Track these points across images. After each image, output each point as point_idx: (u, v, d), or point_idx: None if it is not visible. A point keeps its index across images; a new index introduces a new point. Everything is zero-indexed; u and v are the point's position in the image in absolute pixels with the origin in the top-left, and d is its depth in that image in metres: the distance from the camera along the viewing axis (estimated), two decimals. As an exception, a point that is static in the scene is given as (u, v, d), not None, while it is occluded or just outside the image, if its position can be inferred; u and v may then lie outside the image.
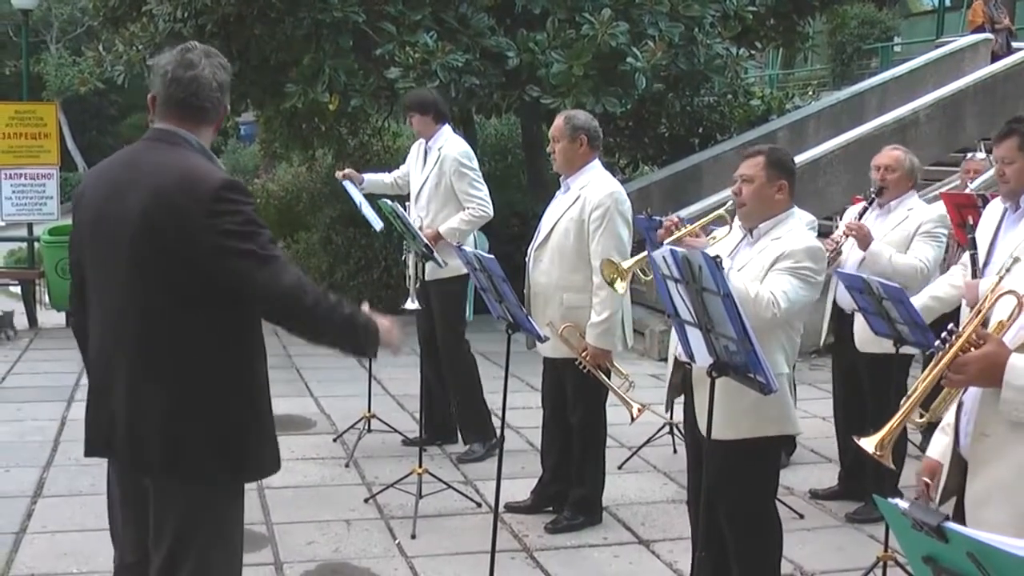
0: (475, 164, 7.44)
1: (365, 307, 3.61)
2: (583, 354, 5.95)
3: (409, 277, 7.27)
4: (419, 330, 7.71)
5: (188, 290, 3.29)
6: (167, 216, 3.22)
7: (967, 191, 7.75)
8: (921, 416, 3.32)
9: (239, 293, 3.30)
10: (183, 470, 3.36)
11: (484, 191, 7.37)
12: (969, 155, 8.56)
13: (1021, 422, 3.10)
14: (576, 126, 6.08)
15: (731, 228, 4.77)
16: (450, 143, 7.42)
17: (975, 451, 3.30)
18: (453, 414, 7.75)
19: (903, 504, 1.75)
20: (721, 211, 4.87)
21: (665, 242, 4.52)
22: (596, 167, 6.18)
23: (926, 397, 3.43)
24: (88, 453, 3.57)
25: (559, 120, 6.16)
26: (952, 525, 1.66)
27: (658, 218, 7.91)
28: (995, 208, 5.42)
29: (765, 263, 4.45)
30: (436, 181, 7.33)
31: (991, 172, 7.99)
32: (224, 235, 3.23)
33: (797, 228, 4.60)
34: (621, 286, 5.05)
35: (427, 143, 7.53)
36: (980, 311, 3.22)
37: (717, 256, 3.63)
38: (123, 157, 3.52)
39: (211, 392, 3.37)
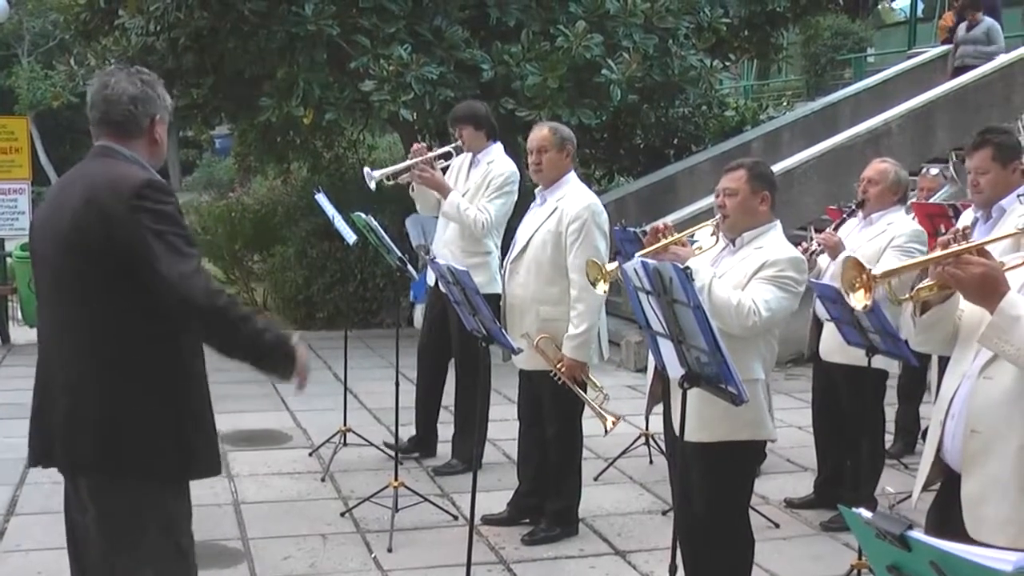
0: (514, 191, 7.27)
1: (296, 337, 3.78)
2: (558, 366, 5.96)
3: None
4: (424, 340, 7.70)
5: (117, 291, 3.42)
6: (94, 218, 3.38)
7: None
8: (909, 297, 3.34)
9: (156, 289, 3.38)
10: (118, 466, 3.48)
11: (496, 217, 7.19)
12: (923, 171, 8.62)
13: (999, 352, 3.15)
14: (564, 137, 6.13)
15: (717, 238, 4.81)
16: (501, 161, 7.32)
17: (967, 449, 3.33)
18: (434, 427, 7.77)
19: (867, 513, 1.76)
20: (709, 224, 4.88)
21: (649, 248, 4.56)
22: (573, 179, 6.21)
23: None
24: (31, 463, 3.72)
25: (545, 131, 6.16)
26: (915, 534, 1.68)
27: (632, 229, 7.96)
28: (968, 218, 5.49)
29: (748, 271, 4.53)
30: (475, 194, 7.22)
31: (945, 190, 8.06)
32: (142, 228, 3.36)
33: (779, 239, 4.68)
34: (603, 287, 5.07)
35: (475, 156, 7.40)
36: None
37: (687, 268, 3.65)
38: (68, 175, 3.71)
39: (146, 389, 3.49)
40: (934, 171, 8.66)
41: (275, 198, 16.49)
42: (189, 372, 3.60)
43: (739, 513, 4.73)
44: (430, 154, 7.37)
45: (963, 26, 15.46)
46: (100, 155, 3.60)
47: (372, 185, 7.66)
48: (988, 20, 15.38)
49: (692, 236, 5.04)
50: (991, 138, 4.82)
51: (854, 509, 1.79)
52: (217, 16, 11.71)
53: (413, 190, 7.54)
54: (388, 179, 7.70)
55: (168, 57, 12.23)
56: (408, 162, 7.37)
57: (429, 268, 6.97)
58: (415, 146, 7.38)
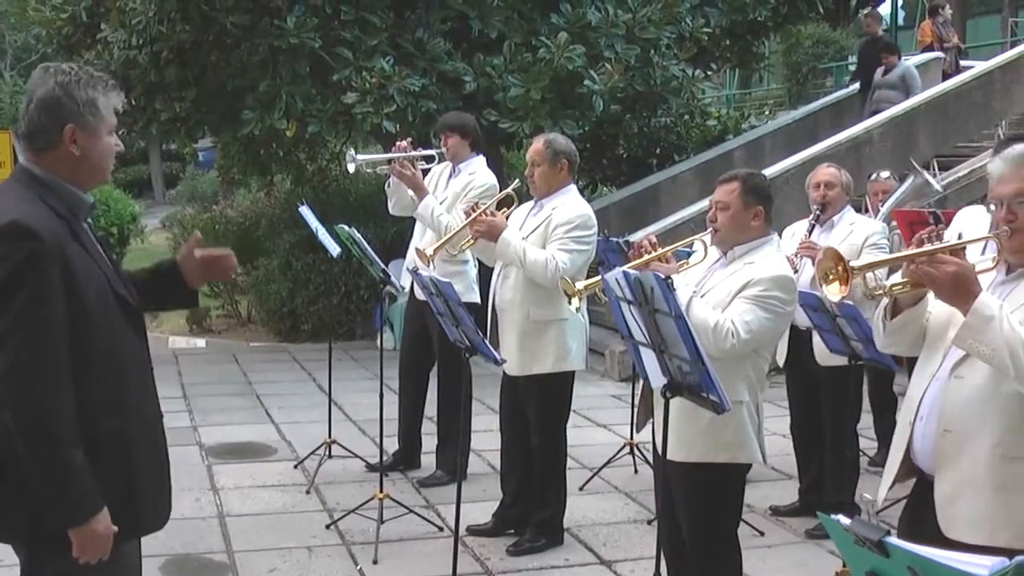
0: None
1: (106, 512, 3.07)
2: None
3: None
4: (404, 353, 7.72)
5: None
6: None
7: (881, 211, 7.87)
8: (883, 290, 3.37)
9: None
10: (44, 536, 3.08)
11: None
12: (873, 176, 8.68)
13: (974, 353, 3.17)
14: (557, 150, 6.09)
15: (706, 254, 4.74)
16: (482, 173, 7.32)
17: (939, 448, 3.35)
18: (418, 439, 7.78)
19: (845, 520, 1.78)
20: (697, 240, 4.83)
21: (632, 264, 4.49)
22: (572, 191, 6.22)
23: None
24: None
25: (539, 144, 6.16)
26: (893, 540, 1.69)
27: (615, 239, 8.00)
28: (973, 217, 5.51)
29: (732, 288, 4.42)
30: (452, 203, 7.20)
31: (907, 184, 8.14)
32: None
33: (772, 255, 4.56)
34: (576, 303, 5.08)
35: (455, 166, 7.41)
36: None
37: (669, 277, 3.65)
38: None
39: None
40: (884, 174, 8.73)
41: (259, 210, 16.49)
42: (99, 432, 3.10)
43: (724, 536, 4.65)
44: (413, 153, 7.38)
45: (880, 70, 15.56)
46: (11, 178, 3.19)
47: (351, 167, 7.70)
48: (904, 64, 15.41)
49: (690, 247, 5.02)
50: None
51: (833, 516, 1.81)
52: (199, 29, 11.72)
53: (389, 186, 7.54)
54: (367, 166, 7.75)
55: (151, 71, 12.23)
56: (391, 155, 7.37)
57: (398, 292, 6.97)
58: (400, 143, 7.39)
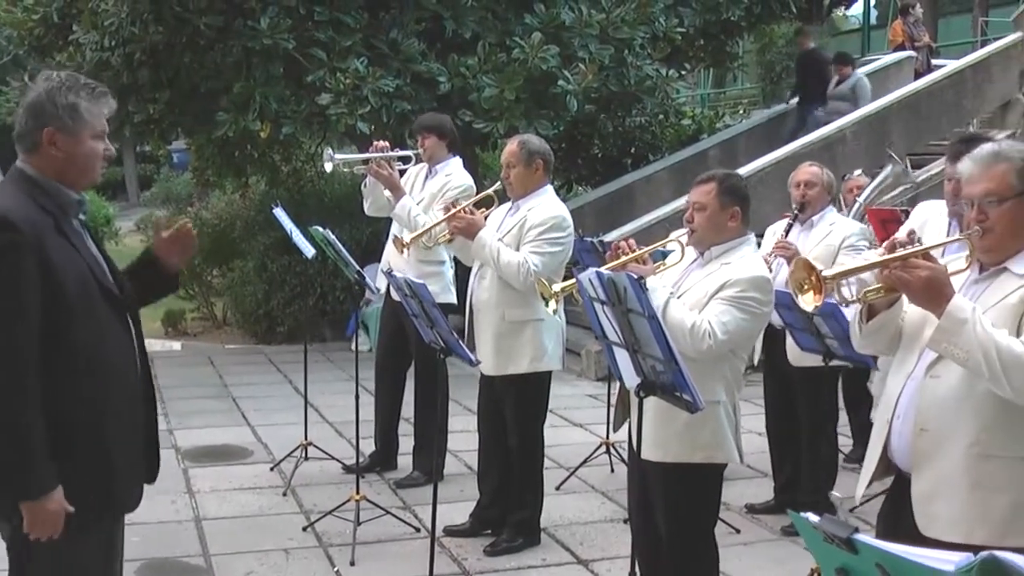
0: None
1: (60, 491, 3.24)
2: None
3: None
4: (381, 354, 7.71)
5: None
6: None
7: (859, 202, 7.92)
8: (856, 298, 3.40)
9: None
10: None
11: None
12: (847, 175, 8.75)
13: (947, 355, 3.20)
14: (532, 151, 6.09)
15: (683, 255, 4.72)
16: (459, 174, 7.33)
17: (916, 447, 3.38)
18: (395, 440, 7.79)
19: (814, 518, 1.80)
20: (675, 240, 4.82)
21: (609, 265, 4.48)
22: (548, 192, 6.23)
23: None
24: None
25: (513, 145, 6.16)
26: (861, 537, 1.71)
27: (590, 239, 8.01)
28: (931, 211, 5.55)
29: (710, 288, 4.41)
30: (429, 204, 7.21)
31: (875, 182, 8.21)
32: None
33: (749, 255, 4.56)
34: (553, 306, 5.09)
35: (432, 167, 7.41)
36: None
37: (642, 278, 3.66)
38: None
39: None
40: (858, 172, 8.80)
41: (234, 212, 16.43)
42: (78, 418, 3.31)
43: (702, 534, 4.66)
44: (390, 153, 7.38)
45: (834, 81, 15.69)
46: (7, 177, 3.41)
47: (328, 166, 7.70)
48: (856, 75, 15.50)
49: (663, 249, 5.02)
50: (974, 147, 4.86)
51: (802, 514, 1.82)
52: (172, 31, 11.68)
53: (365, 186, 7.54)
54: (344, 166, 7.75)
55: (123, 72, 12.17)
56: (368, 155, 7.37)
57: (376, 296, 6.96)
58: (377, 143, 7.39)
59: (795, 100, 16.37)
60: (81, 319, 3.29)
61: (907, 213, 7.01)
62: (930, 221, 5.39)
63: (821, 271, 3.36)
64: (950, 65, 16.20)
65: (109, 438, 3.38)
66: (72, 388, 3.28)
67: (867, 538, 1.71)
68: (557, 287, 4.89)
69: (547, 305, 5.04)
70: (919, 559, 1.62)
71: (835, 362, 5.97)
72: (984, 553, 1.54)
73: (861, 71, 17.64)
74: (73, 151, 3.34)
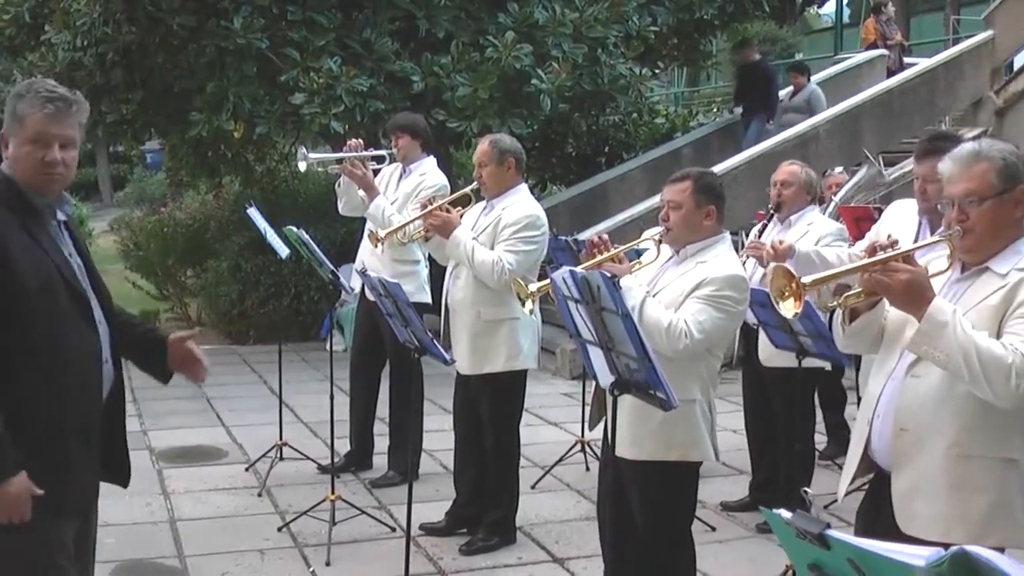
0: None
1: (23, 476, 3.30)
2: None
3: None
4: (356, 353, 7.70)
5: None
6: None
7: (833, 202, 7.95)
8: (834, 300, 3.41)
9: None
10: None
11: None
12: (828, 172, 8.78)
13: (928, 358, 3.21)
14: (503, 150, 6.10)
15: (658, 253, 4.71)
16: (433, 174, 7.32)
17: (896, 447, 3.40)
18: (370, 439, 7.78)
19: (786, 514, 1.81)
20: (648, 237, 4.82)
21: (585, 264, 4.47)
22: (523, 190, 6.23)
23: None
24: None
25: (484, 145, 6.16)
26: (833, 532, 1.72)
27: (564, 238, 8.02)
28: (902, 211, 5.58)
29: (686, 287, 4.42)
30: (403, 203, 7.19)
31: (861, 174, 8.25)
32: None
33: (724, 254, 4.56)
34: (529, 306, 5.09)
35: (406, 167, 7.40)
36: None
37: (615, 276, 3.66)
38: None
39: None
40: (838, 169, 8.84)
41: (208, 212, 16.37)
42: (36, 410, 3.38)
43: (678, 532, 4.67)
44: (364, 152, 7.37)
45: (788, 91, 15.75)
46: None
47: (302, 166, 7.69)
48: (811, 87, 15.51)
49: (638, 247, 5.02)
50: (940, 145, 4.87)
51: (774, 510, 1.83)
52: (145, 31, 11.64)
53: (339, 186, 7.53)
54: (318, 165, 7.73)
55: (96, 72, 12.12)
56: (342, 154, 7.36)
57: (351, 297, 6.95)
58: (351, 142, 7.38)
59: (738, 110, 16.26)
60: (41, 315, 3.35)
61: (880, 211, 7.05)
62: (902, 220, 5.42)
63: (800, 278, 3.37)
64: (922, 63, 16.29)
65: (64, 437, 3.43)
66: (30, 384, 3.34)
67: (839, 533, 1.72)
68: (534, 287, 4.90)
69: (524, 305, 5.04)
70: (890, 554, 1.64)
71: (810, 362, 6.00)
72: (955, 548, 1.55)
73: (834, 68, 17.77)
74: (14, 155, 3.44)
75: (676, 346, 4.27)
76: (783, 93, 15.83)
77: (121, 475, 3.77)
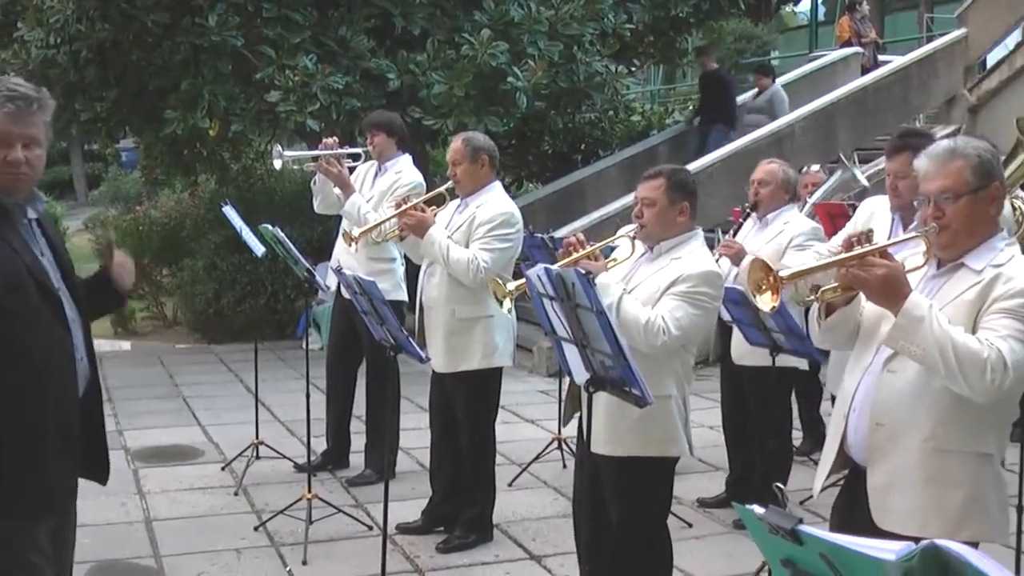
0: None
1: None
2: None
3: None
4: (332, 351, 7.69)
5: None
6: None
7: (807, 203, 7.95)
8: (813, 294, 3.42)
9: None
10: None
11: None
12: (804, 169, 8.79)
13: (904, 353, 3.23)
14: (476, 147, 6.10)
15: (633, 250, 4.72)
16: (409, 172, 7.31)
17: (872, 441, 3.41)
18: (346, 438, 7.77)
19: (759, 509, 1.81)
20: (624, 234, 4.81)
21: (561, 263, 4.46)
22: (497, 188, 6.23)
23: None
24: None
25: (457, 143, 6.16)
26: (805, 528, 1.73)
27: (540, 235, 8.02)
28: (876, 206, 5.61)
29: (662, 283, 4.43)
30: (379, 201, 7.18)
31: (835, 177, 8.26)
32: None
33: (698, 250, 4.58)
34: (508, 305, 5.08)
35: (381, 164, 7.39)
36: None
37: (589, 272, 3.67)
38: None
39: None
40: (815, 167, 8.85)
41: (183, 211, 16.32)
42: (7, 409, 3.39)
43: (655, 527, 4.69)
44: (339, 150, 7.36)
45: (753, 92, 15.81)
46: None
47: (278, 164, 7.68)
48: (773, 88, 15.54)
49: (612, 244, 5.02)
50: (910, 142, 4.90)
51: (747, 505, 1.84)
52: (119, 28, 11.58)
53: (315, 184, 7.52)
54: (293, 163, 7.72)
55: (70, 70, 12.05)
56: (317, 152, 7.35)
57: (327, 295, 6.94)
58: (326, 140, 7.37)
59: (697, 120, 16.24)
60: (10, 314, 3.34)
61: (854, 208, 7.08)
62: (875, 216, 5.44)
63: (778, 271, 3.38)
64: (896, 61, 16.36)
65: (41, 438, 3.41)
66: (3, 384, 3.34)
67: (812, 529, 1.73)
68: (512, 285, 4.89)
69: (501, 305, 5.04)
70: (862, 549, 1.64)
71: (785, 360, 6.02)
72: (925, 542, 1.56)
73: (809, 66, 17.82)
74: None
75: (654, 342, 4.29)
76: (750, 94, 15.89)
77: (100, 473, 3.77)
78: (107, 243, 4.12)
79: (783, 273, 3.38)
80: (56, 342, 3.48)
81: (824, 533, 1.71)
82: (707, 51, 16.54)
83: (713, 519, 6.79)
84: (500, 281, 5.05)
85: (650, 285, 4.48)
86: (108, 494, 6.92)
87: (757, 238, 6.55)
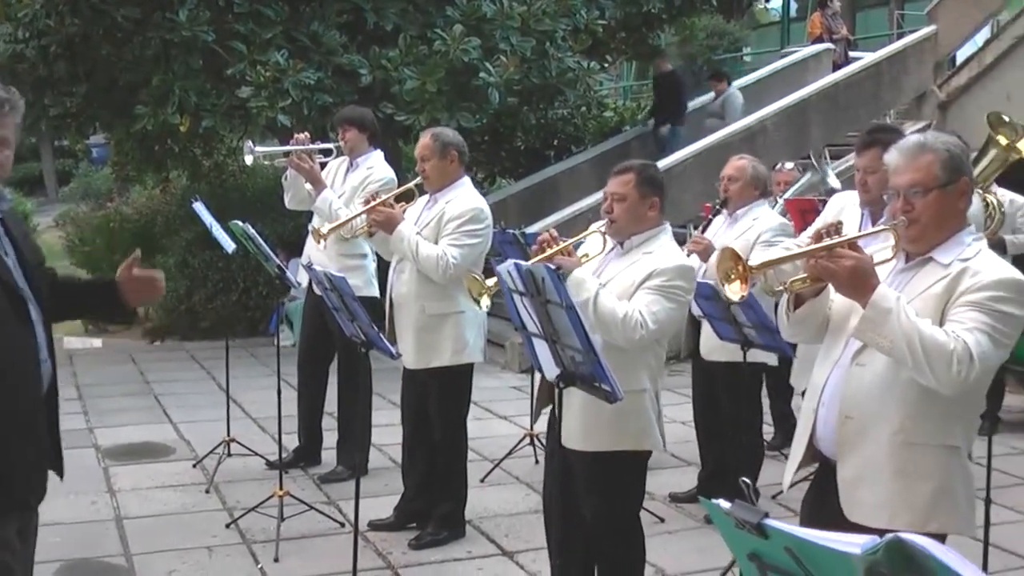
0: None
1: None
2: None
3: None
4: (304, 348, 7.66)
5: None
6: None
7: (777, 205, 7.98)
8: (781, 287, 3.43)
9: None
10: None
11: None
12: (778, 167, 8.82)
13: (873, 345, 3.24)
14: (446, 142, 6.09)
15: (604, 245, 4.72)
16: (380, 167, 7.29)
17: (841, 435, 3.43)
18: (318, 435, 7.75)
19: (725, 504, 1.81)
20: (596, 230, 4.81)
21: (536, 259, 4.45)
22: (466, 183, 6.21)
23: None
24: None
25: (426, 139, 6.14)
26: (771, 522, 1.73)
27: (512, 231, 8.02)
28: (844, 203, 5.63)
29: (636, 278, 4.44)
30: (350, 197, 7.15)
31: (803, 180, 8.30)
32: None
33: (668, 244, 4.60)
34: (486, 302, 5.07)
35: (353, 160, 7.37)
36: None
37: (559, 267, 3.67)
38: None
39: None
40: (789, 165, 8.87)
41: (154, 207, 16.25)
42: None
43: (630, 522, 4.70)
44: (311, 146, 7.34)
45: (710, 96, 15.91)
46: None
47: (249, 159, 7.64)
48: (729, 91, 15.72)
49: (581, 241, 5.02)
50: (880, 137, 4.92)
51: (713, 500, 1.84)
52: (89, 23, 11.49)
53: (286, 179, 7.49)
54: (265, 159, 7.70)
55: (39, 65, 11.95)
56: (289, 148, 7.33)
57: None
58: (298, 135, 7.35)
59: (652, 122, 16.34)
60: None
61: (824, 203, 7.11)
62: (845, 211, 5.47)
63: (747, 261, 3.39)
64: (867, 57, 16.45)
65: (6, 437, 3.39)
66: None
67: (777, 523, 1.73)
68: (491, 282, 4.88)
69: (479, 304, 5.02)
70: (827, 543, 1.65)
71: (756, 356, 6.04)
72: (889, 535, 1.56)
73: (781, 62, 17.89)
74: None
75: (632, 336, 4.29)
76: (708, 97, 15.96)
77: (55, 470, 3.74)
78: (133, 258, 4.00)
79: (752, 262, 3.39)
80: (20, 343, 3.46)
81: (789, 527, 1.72)
82: (661, 53, 16.60)
83: (685, 514, 6.80)
84: (477, 278, 5.04)
85: (623, 280, 4.49)
86: (78, 493, 6.94)
87: (726, 234, 6.56)
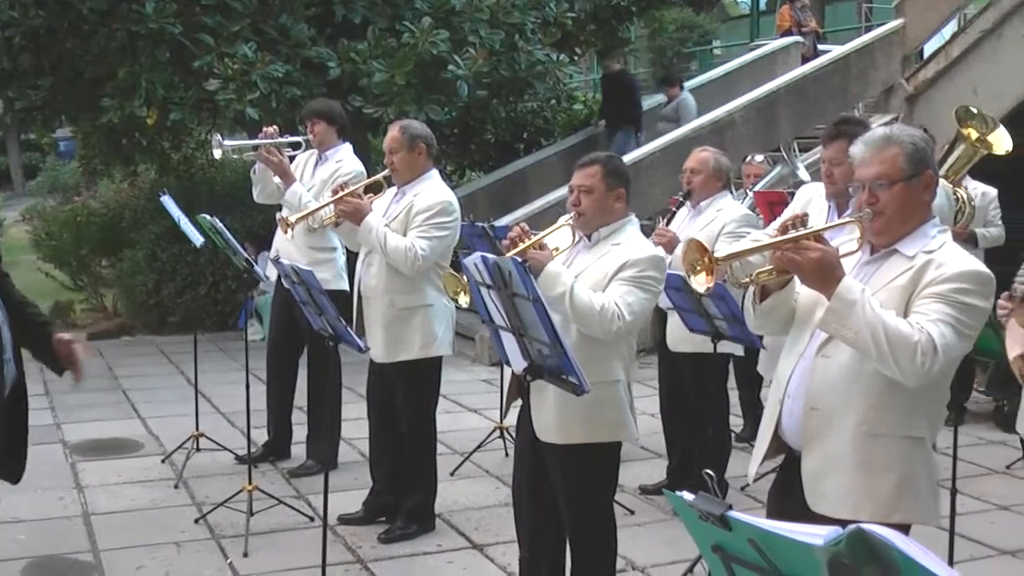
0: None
1: None
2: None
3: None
4: (272, 342, 7.64)
5: None
6: None
7: (746, 199, 8.01)
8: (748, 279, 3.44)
9: None
10: None
11: None
12: (748, 159, 8.84)
13: (838, 336, 3.26)
14: (414, 135, 6.07)
15: (574, 238, 4.72)
16: (349, 160, 7.26)
17: (806, 426, 3.45)
18: (288, 429, 7.73)
19: (688, 496, 1.82)
20: (563, 223, 4.80)
21: (508, 254, 4.49)
22: (434, 176, 6.19)
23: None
24: None
25: (394, 131, 6.13)
26: (734, 514, 1.73)
27: (481, 224, 8.01)
28: (810, 194, 5.66)
29: (607, 269, 4.44)
30: (319, 190, 7.11)
31: (773, 173, 8.33)
32: None
33: (636, 235, 4.62)
34: (464, 299, 5.05)
35: (322, 153, 7.34)
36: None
37: (525, 261, 3.67)
38: None
39: None
40: (759, 158, 8.90)
41: (123, 201, 16.13)
42: None
43: (603, 513, 4.71)
44: (280, 139, 7.31)
45: (663, 100, 15.92)
46: None
47: (217, 153, 7.61)
48: (682, 96, 15.63)
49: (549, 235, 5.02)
50: (846, 129, 4.96)
51: (677, 492, 1.84)
52: (54, 15, 11.38)
53: (255, 173, 7.46)
54: (233, 152, 7.68)
55: (3, 57, 11.82)
56: (257, 141, 7.30)
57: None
58: (266, 129, 7.32)
59: (603, 123, 16.18)
60: None
61: (792, 195, 7.14)
62: (811, 203, 5.50)
63: (713, 252, 3.40)
64: (836, 50, 16.47)
65: None
66: None
67: (741, 515, 1.73)
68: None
69: (457, 302, 5.01)
70: (790, 534, 1.65)
71: (722, 348, 6.07)
72: (852, 526, 1.57)
73: (751, 55, 17.93)
74: None
75: (609, 328, 4.30)
76: (658, 100, 15.95)
77: (16, 470, 3.71)
78: (77, 339, 4.09)
79: (718, 254, 3.40)
80: None
81: (753, 519, 1.72)
82: (612, 53, 16.44)
83: (655, 506, 6.82)
84: (454, 275, 5.03)
85: (595, 272, 4.49)
86: (45, 488, 6.90)
87: (691, 226, 6.58)
